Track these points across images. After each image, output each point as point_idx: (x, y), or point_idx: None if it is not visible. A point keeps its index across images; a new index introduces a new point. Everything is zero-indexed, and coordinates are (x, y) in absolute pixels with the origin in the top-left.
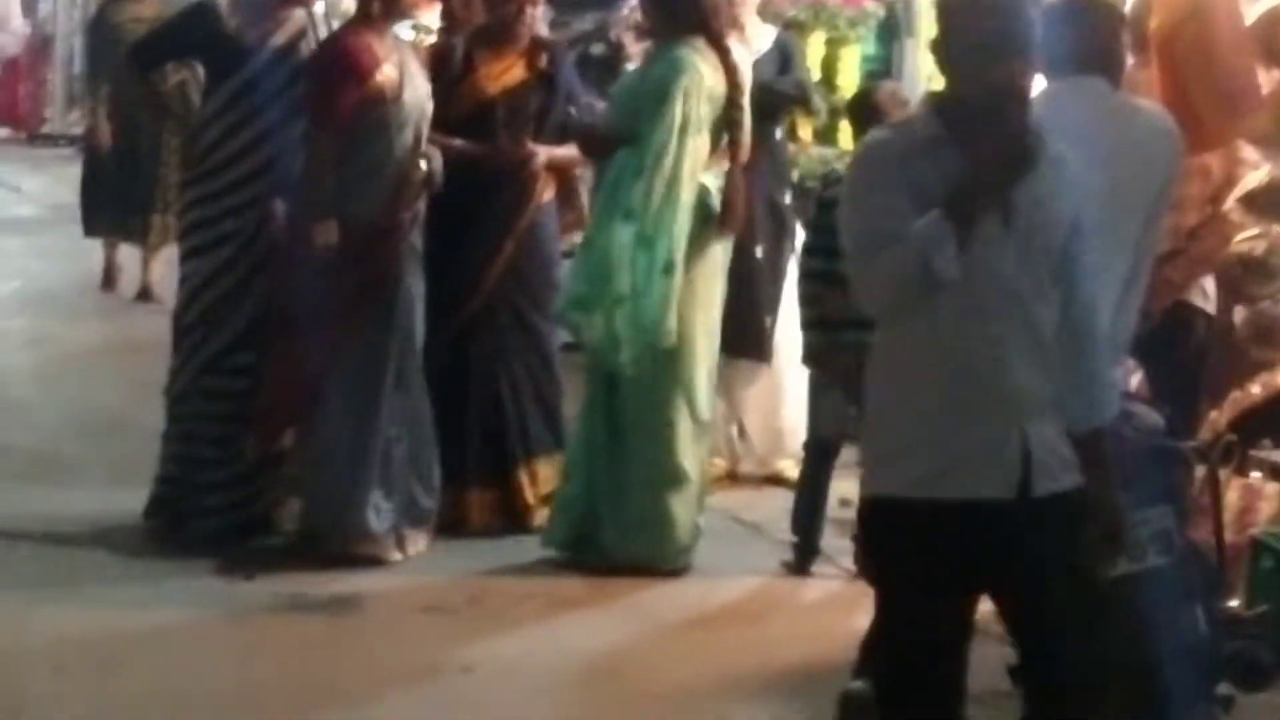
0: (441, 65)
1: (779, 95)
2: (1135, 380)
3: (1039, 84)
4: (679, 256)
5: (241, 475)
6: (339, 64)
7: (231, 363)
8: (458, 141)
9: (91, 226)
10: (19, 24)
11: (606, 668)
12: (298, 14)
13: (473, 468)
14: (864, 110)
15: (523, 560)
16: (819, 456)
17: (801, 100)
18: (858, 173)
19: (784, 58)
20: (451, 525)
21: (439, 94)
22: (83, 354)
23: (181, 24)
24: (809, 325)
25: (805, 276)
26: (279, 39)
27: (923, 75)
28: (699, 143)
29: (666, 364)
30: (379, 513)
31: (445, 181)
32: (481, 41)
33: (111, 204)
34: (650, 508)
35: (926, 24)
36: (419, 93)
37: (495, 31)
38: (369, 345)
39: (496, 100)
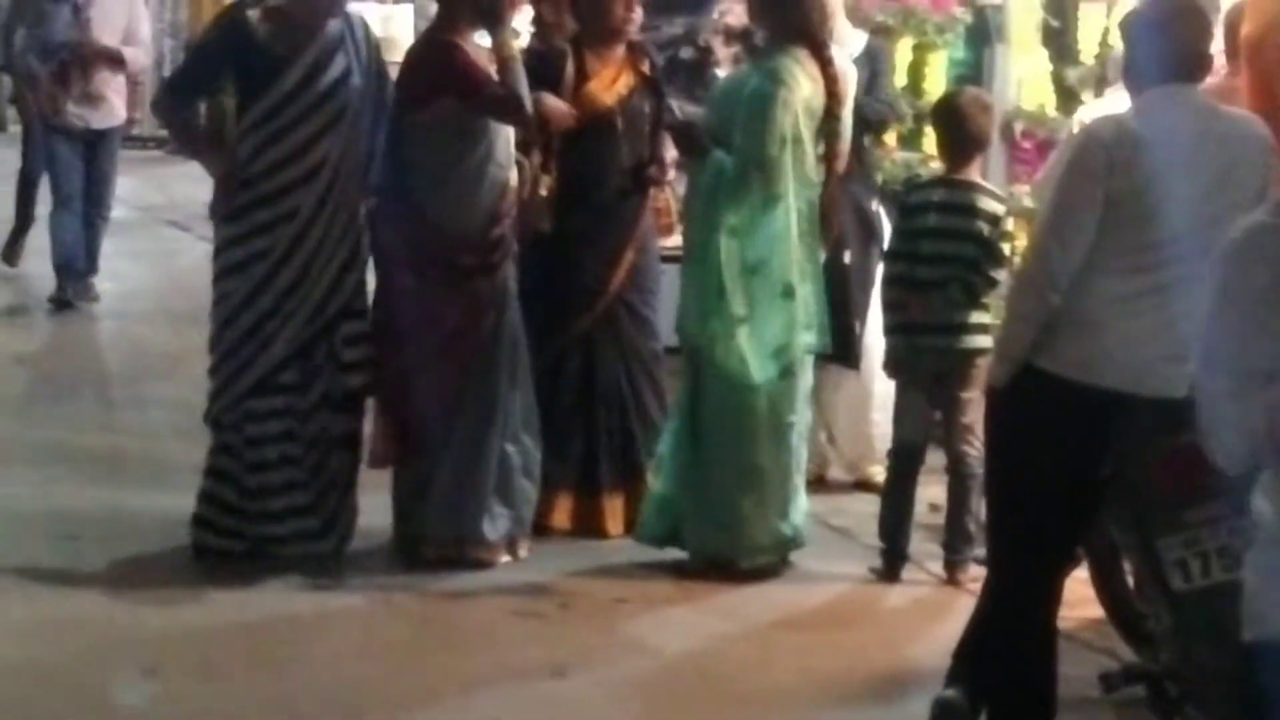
0: (549, 75)
1: (867, 118)
2: None
3: (1127, 92)
4: (795, 278)
5: (314, 500)
6: (455, 76)
7: (277, 381)
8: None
9: None
10: (147, 35)
11: (695, 670)
12: (331, 24)
13: (606, 472)
14: (946, 116)
15: (612, 561)
16: (904, 462)
17: (891, 122)
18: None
19: (873, 65)
20: (589, 530)
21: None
22: (178, 355)
23: (213, 42)
24: (892, 331)
25: (888, 282)
26: (313, 52)
27: (1012, 80)
28: (799, 155)
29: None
30: (495, 520)
31: (565, 193)
32: (588, 48)
33: None
34: (727, 504)
35: (1016, 29)
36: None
37: (601, 38)
38: (481, 355)
39: (615, 110)
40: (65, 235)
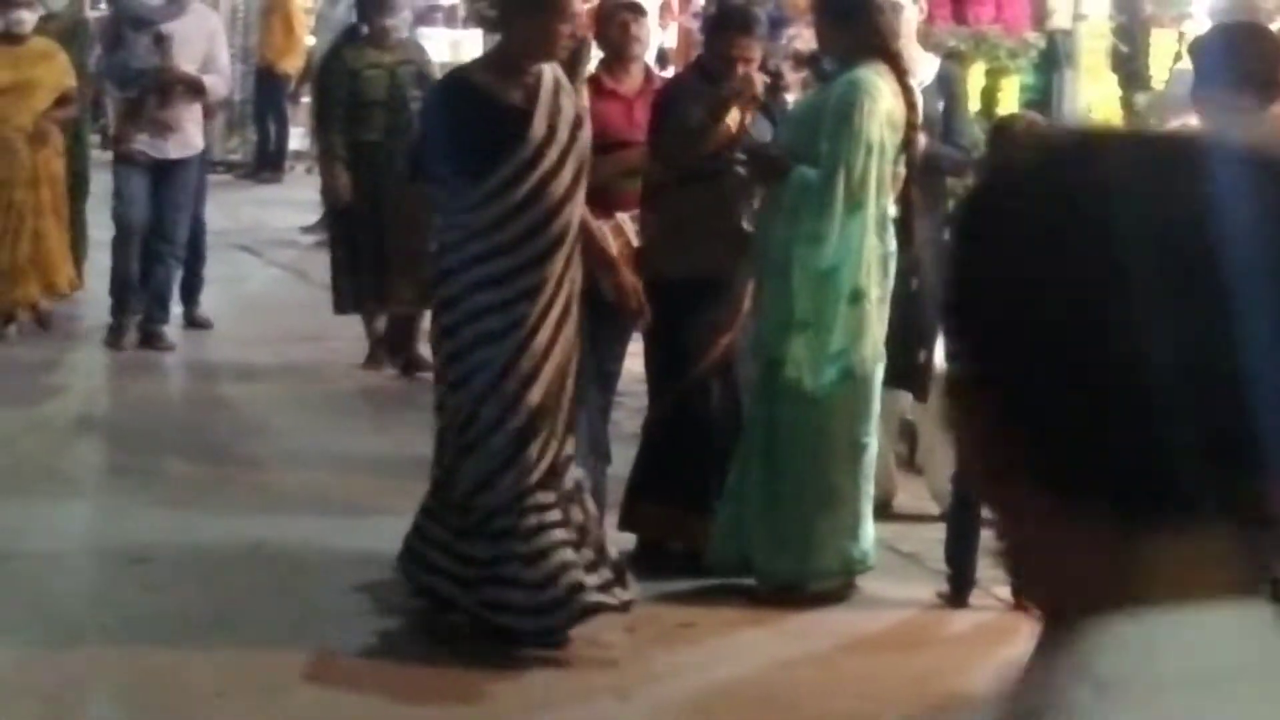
0: (678, 110)
1: (944, 169)
2: None
3: (1196, 115)
4: (866, 283)
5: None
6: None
7: (556, 465)
8: None
9: (344, 302)
10: (226, 62)
11: (760, 694)
12: (545, 69)
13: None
14: (1000, 142)
15: (680, 585)
16: (968, 489)
17: (969, 170)
18: None
19: (947, 92)
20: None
21: (677, 139)
22: (251, 378)
23: (456, 119)
24: (949, 359)
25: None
26: (545, 97)
27: (1081, 105)
28: (883, 165)
29: (829, 384)
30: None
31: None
32: (711, 82)
33: (367, 271)
34: (799, 528)
35: (1086, 54)
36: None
37: (718, 71)
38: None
39: (738, 138)
40: (125, 275)
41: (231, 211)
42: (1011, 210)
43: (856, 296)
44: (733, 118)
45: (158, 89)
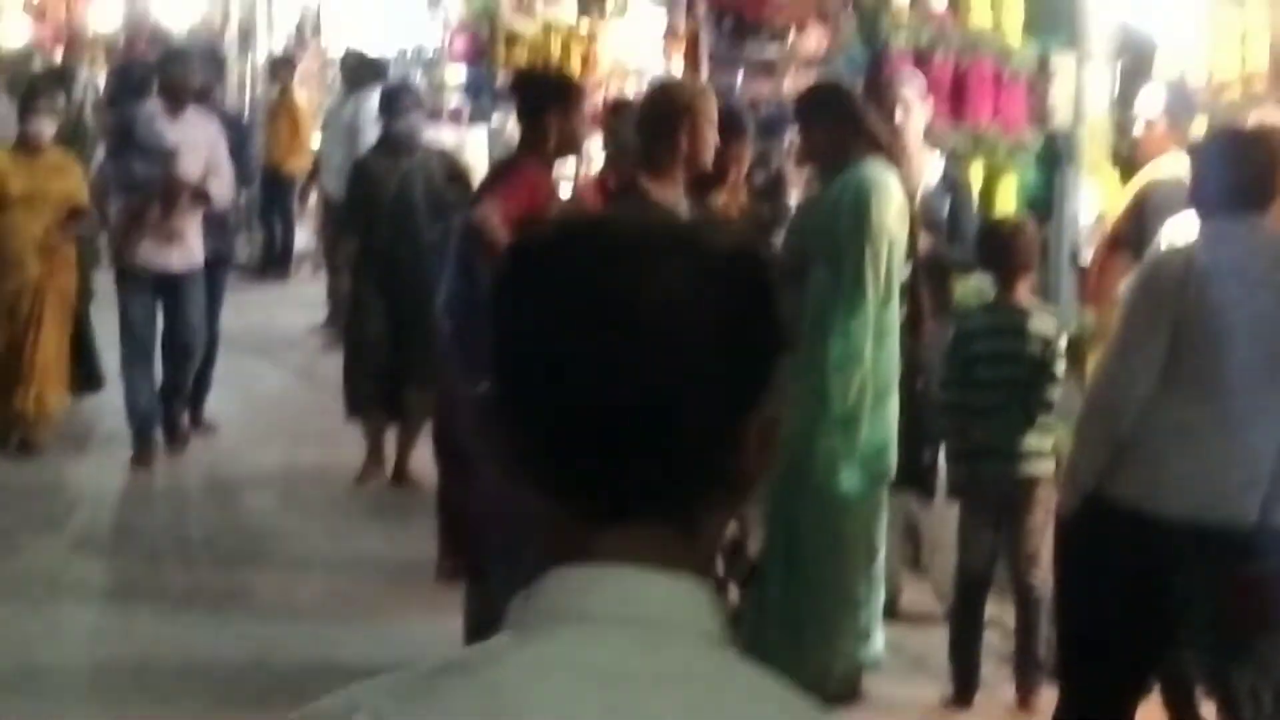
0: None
1: (948, 268)
2: None
3: (1195, 222)
4: (893, 380)
5: None
6: (518, 196)
7: None
8: None
9: (355, 405)
10: (227, 168)
11: None
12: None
13: None
14: (991, 243)
15: None
16: (971, 589)
17: (974, 269)
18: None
19: (953, 195)
20: None
21: None
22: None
23: None
24: (954, 458)
25: (947, 410)
26: None
27: (1083, 203)
28: (895, 257)
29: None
30: None
31: None
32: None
33: (377, 378)
34: (818, 633)
35: (1087, 153)
36: None
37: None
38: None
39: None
40: (140, 397)
41: (238, 311)
42: (505, 277)
43: (885, 393)
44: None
45: (163, 199)
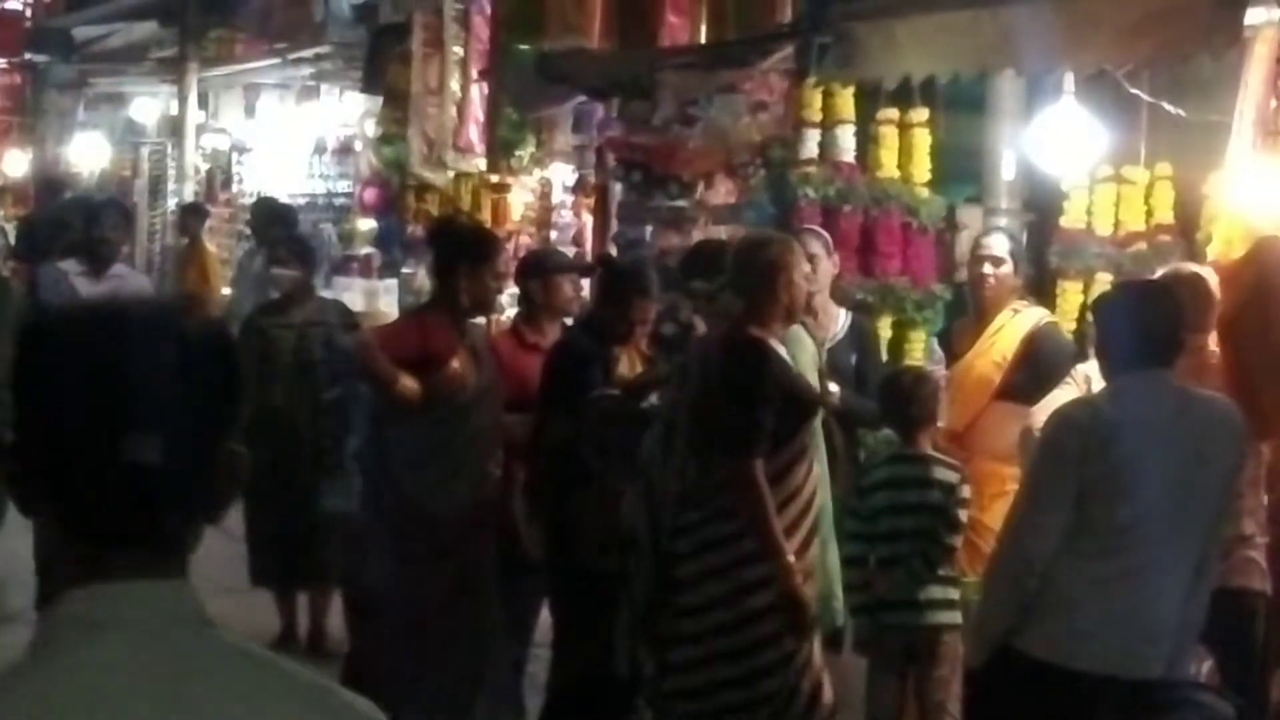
0: (575, 374)
1: (859, 420)
2: (1206, 668)
3: (1102, 375)
4: (830, 530)
5: None
6: (415, 341)
7: None
8: None
9: (258, 574)
10: None
11: None
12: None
13: None
14: (891, 394)
15: None
16: None
17: (878, 427)
18: None
19: (859, 344)
20: None
21: (585, 392)
22: None
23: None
24: (857, 611)
25: (849, 563)
26: None
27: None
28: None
29: None
30: None
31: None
32: (603, 341)
33: (278, 545)
34: None
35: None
36: (489, 384)
37: (613, 331)
38: (459, 635)
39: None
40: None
41: None
42: (23, 347)
43: (825, 542)
44: (625, 366)
45: None
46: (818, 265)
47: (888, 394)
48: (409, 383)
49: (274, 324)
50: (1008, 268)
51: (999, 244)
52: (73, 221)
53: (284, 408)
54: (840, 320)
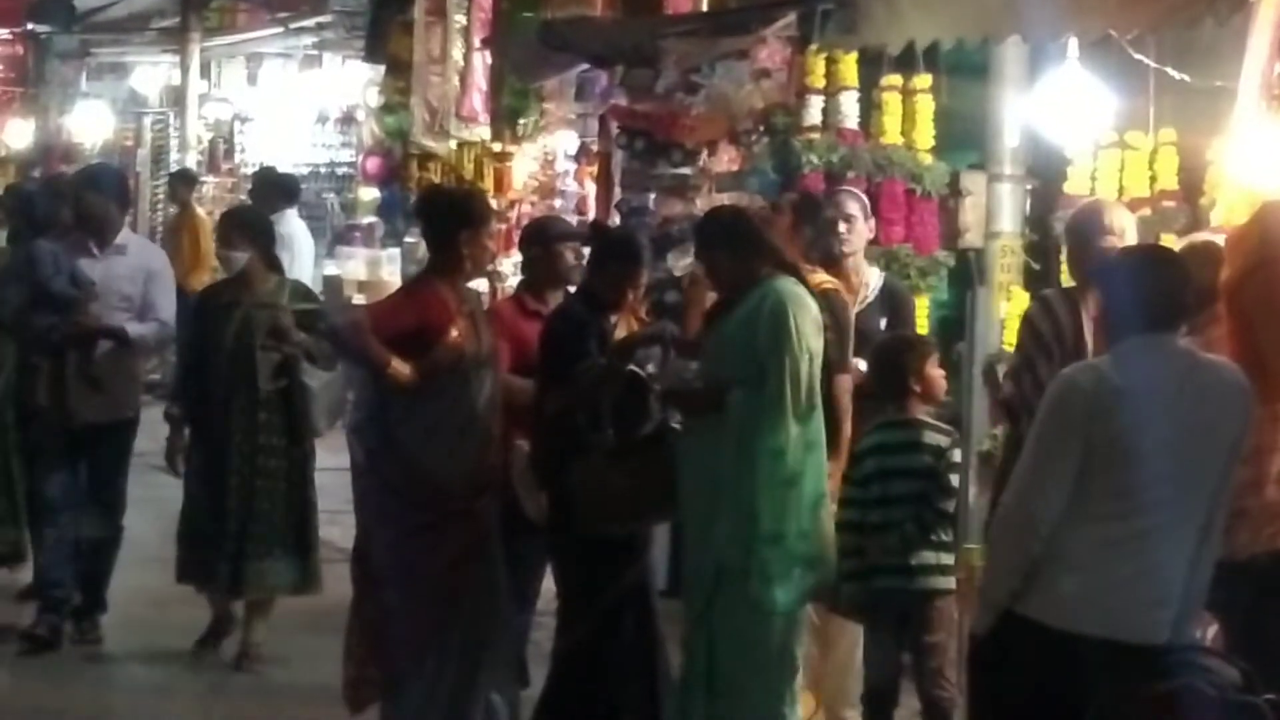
0: (571, 344)
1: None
2: (1211, 634)
3: (1107, 340)
4: (825, 488)
5: None
6: (412, 314)
7: None
8: None
9: (184, 570)
10: (167, 307)
11: None
12: None
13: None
14: (880, 360)
15: None
16: (877, 706)
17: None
18: None
19: (890, 307)
20: None
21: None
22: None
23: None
24: (849, 576)
25: (842, 529)
26: None
27: (994, 322)
28: (816, 370)
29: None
30: None
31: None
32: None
33: (210, 546)
34: None
35: (999, 272)
36: (489, 351)
37: (606, 300)
38: (465, 600)
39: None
40: (51, 558)
41: (150, 430)
42: None
43: (818, 503)
44: (623, 333)
45: (76, 344)
46: (853, 226)
47: (878, 359)
48: (400, 366)
49: (216, 306)
50: None
51: None
52: (67, 192)
53: (222, 399)
54: (872, 283)
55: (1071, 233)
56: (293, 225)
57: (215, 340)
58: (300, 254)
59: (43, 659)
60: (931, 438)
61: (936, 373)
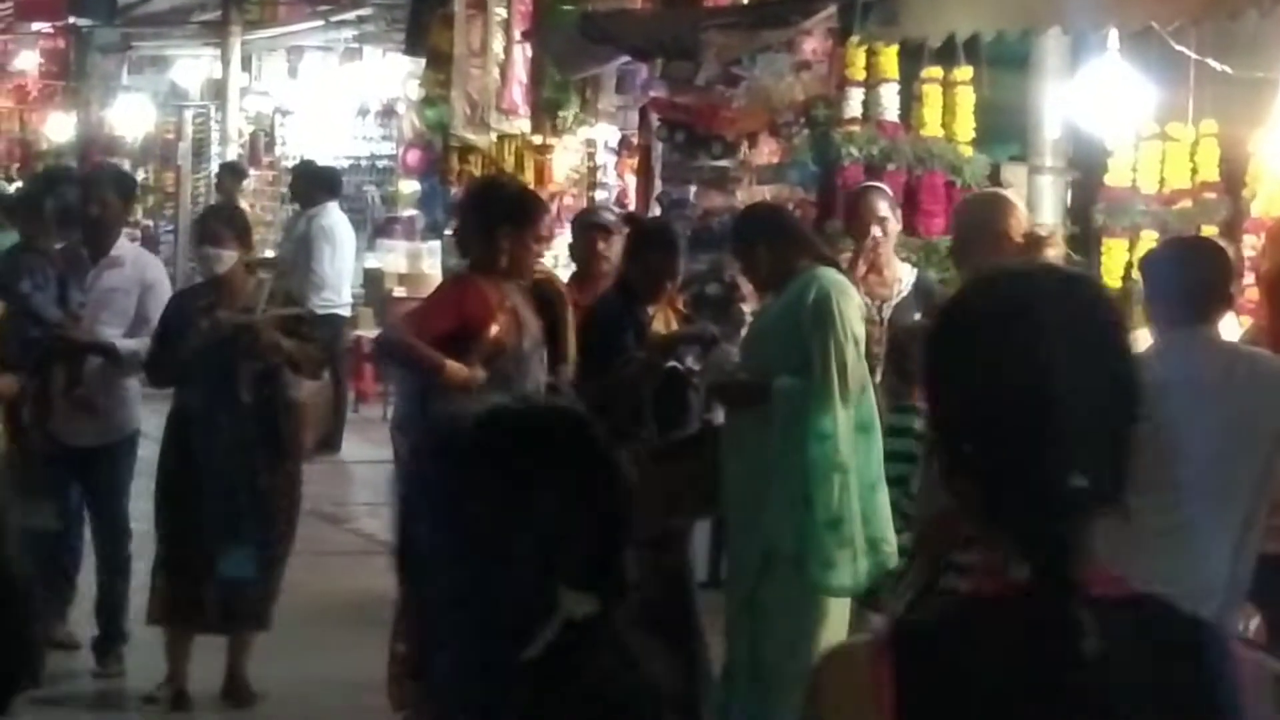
0: (610, 335)
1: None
2: (1254, 626)
3: (1149, 334)
4: (879, 473)
5: None
6: (451, 313)
7: None
8: None
9: (155, 610)
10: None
11: None
12: None
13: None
14: (892, 349)
15: None
16: None
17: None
18: None
19: (925, 303)
20: None
21: (618, 353)
22: None
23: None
24: None
25: None
26: None
27: None
28: (861, 355)
29: (811, 597)
30: None
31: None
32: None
33: (183, 579)
34: None
35: None
36: (532, 345)
37: (644, 290)
38: None
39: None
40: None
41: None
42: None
43: (875, 486)
44: (661, 325)
45: (63, 360)
46: (885, 226)
47: (894, 345)
48: (456, 365)
49: (193, 310)
50: None
51: None
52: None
53: (200, 413)
54: (906, 278)
55: (964, 225)
56: (334, 217)
57: (192, 348)
58: (341, 245)
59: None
60: (925, 424)
61: None
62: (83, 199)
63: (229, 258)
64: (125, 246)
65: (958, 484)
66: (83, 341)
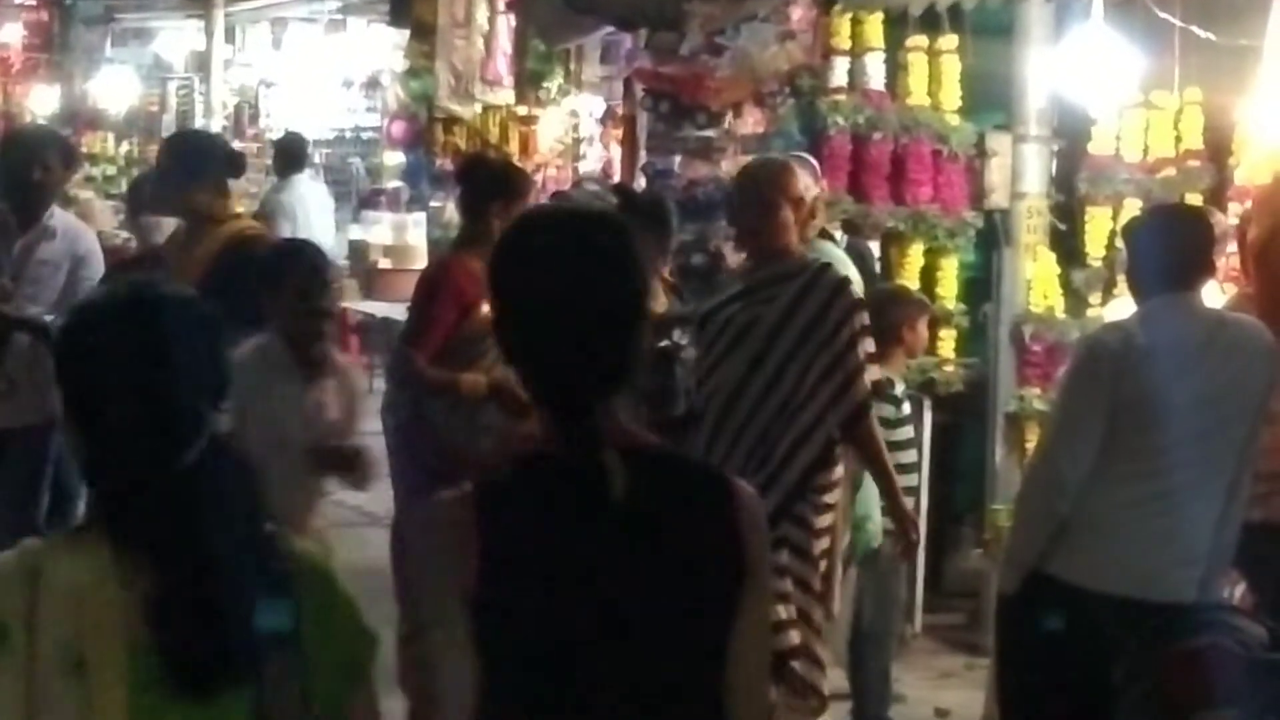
0: None
1: None
2: (1239, 592)
3: (1132, 298)
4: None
5: None
6: (444, 289)
7: None
8: None
9: None
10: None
11: None
12: None
13: None
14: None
15: None
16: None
17: None
18: None
19: (860, 262)
20: None
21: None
22: None
23: None
24: None
25: None
26: None
27: (1021, 283)
28: None
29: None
30: None
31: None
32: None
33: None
34: None
35: (1025, 233)
36: None
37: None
38: None
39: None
40: None
41: None
42: None
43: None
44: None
45: None
46: (810, 193)
47: (872, 308)
48: (471, 380)
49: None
50: None
51: None
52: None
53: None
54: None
55: (747, 187)
56: (299, 190)
57: None
58: (308, 216)
59: None
60: (896, 389)
61: (922, 331)
62: (24, 161)
63: (169, 224)
64: (58, 215)
65: (514, 369)
66: (11, 317)
